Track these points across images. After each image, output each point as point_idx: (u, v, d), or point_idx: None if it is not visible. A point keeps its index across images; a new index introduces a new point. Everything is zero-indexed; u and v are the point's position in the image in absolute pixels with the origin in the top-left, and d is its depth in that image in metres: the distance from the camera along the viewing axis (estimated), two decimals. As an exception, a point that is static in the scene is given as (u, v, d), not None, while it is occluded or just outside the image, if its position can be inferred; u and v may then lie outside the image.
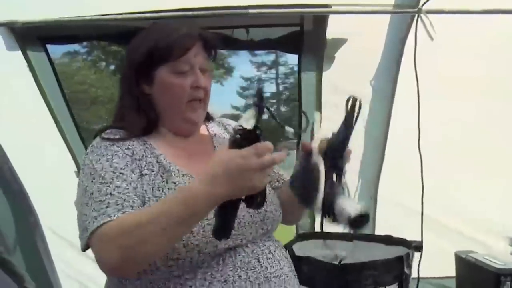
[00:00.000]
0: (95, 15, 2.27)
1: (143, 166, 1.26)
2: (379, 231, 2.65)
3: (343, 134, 1.22)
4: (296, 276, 1.41)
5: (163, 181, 1.26)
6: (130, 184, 1.20)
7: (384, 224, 2.67)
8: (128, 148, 1.26)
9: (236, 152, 1.04)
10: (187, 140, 1.38)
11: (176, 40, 1.31)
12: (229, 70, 20.57)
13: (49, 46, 2.52)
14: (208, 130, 1.49)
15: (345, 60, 2.55)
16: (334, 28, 2.46)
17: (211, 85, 1.39)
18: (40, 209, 2.68)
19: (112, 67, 18.63)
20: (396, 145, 2.70)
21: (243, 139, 1.04)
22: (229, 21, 2.39)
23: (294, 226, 2.97)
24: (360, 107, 1.21)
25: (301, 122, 2.74)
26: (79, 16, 2.25)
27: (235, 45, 2.51)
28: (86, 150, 1.36)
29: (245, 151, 1.02)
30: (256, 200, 1.07)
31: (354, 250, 2.20)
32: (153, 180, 1.25)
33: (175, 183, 1.25)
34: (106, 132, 1.33)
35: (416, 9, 2.37)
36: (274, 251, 1.37)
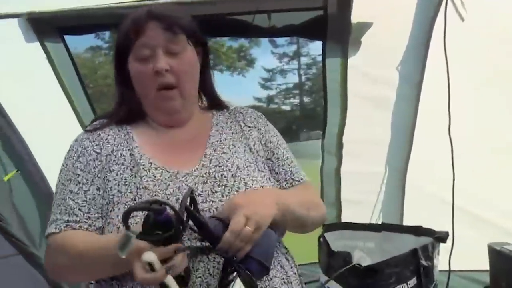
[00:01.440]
0: (112, 3, 2.26)
1: (112, 160, 1.27)
2: (408, 221, 2.64)
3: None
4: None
5: (132, 175, 1.24)
6: (81, 187, 1.24)
7: (413, 214, 2.67)
8: (98, 145, 1.28)
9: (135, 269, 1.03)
10: (173, 130, 1.35)
11: (128, 25, 1.28)
12: (250, 62, 20.74)
13: (68, 38, 2.50)
14: (212, 119, 1.43)
15: (372, 45, 2.51)
16: (359, 11, 2.42)
17: (194, 66, 1.33)
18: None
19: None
20: (425, 133, 2.65)
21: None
22: (251, 6, 2.34)
23: None
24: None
25: (326, 112, 2.69)
26: (97, 5, 2.25)
27: (256, 33, 2.47)
28: None
29: (137, 269, 1.02)
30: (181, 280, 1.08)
31: (382, 240, 2.19)
32: (121, 174, 1.24)
33: (141, 177, 1.23)
34: (92, 123, 1.36)
35: None
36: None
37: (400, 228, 2.31)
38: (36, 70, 2.49)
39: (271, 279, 1.24)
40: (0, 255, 2.35)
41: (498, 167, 2.60)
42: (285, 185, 1.38)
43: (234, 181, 1.24)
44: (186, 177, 1.23)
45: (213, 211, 1.19)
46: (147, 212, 1.01)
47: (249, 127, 1.42)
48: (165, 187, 1.22)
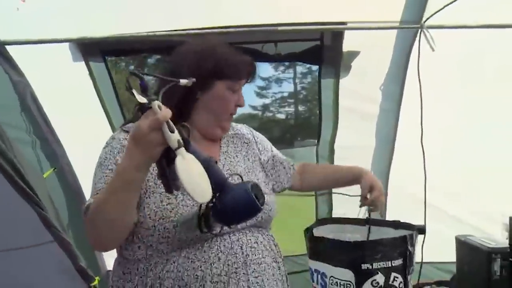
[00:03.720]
0: (150, 32, 2.48)
1: None
2: (390, 217, 2.56)
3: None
4: (280, 268, 1.51)
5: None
6: None
7: (394, 211, 2.64)
8: None
9: (134, 124, 1.14)
10: (206, 141, 1.52)
11: (241, 64, 1.47)
12: None
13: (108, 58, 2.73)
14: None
15: (360, 69, 2.74)
16: (349, 41, 2.65)
17: None
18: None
19: (132, 67, 18.85)
20: (404, 141, 2.87)
21: (142, 112, 1.12)
22: (260, 37, 2.61)
23: (314, 213, 3.11)
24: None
25: (320, 123, 2.91)
26: (138, 33, 2.48)
27: (264, 58, 2.71)
28: None
29: (139, 120, 1.11)
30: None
31: (367, 233, 2.38)
32: (151, 172, 1.34)
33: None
34: (126, 124, 1.45)
35: (419, 25, 2.55)
36: (261, 242, 1.46)
37: (383, 222, 2.17)
38: (79, 85, 2.71)
39: (263, 257, 1.45)
40: (36, 243, 2.39)
41: (465, 171, 2.80)
42: (290, 170, 1.71)
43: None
44: None
45: None
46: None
47: (246, 139, 1.65)
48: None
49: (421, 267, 2.60)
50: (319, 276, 1.92)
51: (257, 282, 1.41)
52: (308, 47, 2.73)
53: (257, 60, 3.36)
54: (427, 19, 2.53)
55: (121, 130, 1.44)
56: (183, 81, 1.23)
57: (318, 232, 2.14)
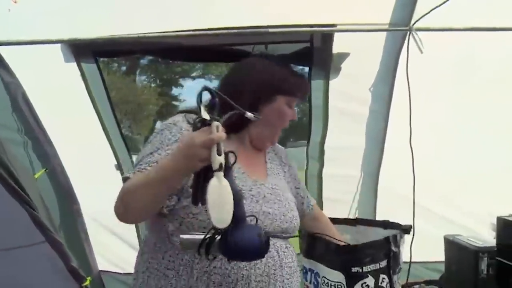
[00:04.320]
0: (141, 33, 2.49)
1: None
2: (379, 217, 2.80)
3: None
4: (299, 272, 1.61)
5: None
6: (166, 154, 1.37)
7: (384, 211, 2.87)
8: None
9: (190, 133, 1.21)
10: (255, 151, 1.63)
11: (301, 82, 1.63)
12: None
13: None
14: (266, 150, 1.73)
15: (349, 70, 2.76)
16: (339, 43, 2.67)
17: None
18: (83, 198, 2.89)
19: (124, 68, 18.69)
20: (394, 142, 2.89)
21: (201, 126, 1.19)
22: (251, 39, 2.64)
23: None
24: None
25: (310, 124, 2.93)
26: (129, 34, 2.50)
27: None
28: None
29: (195, 132, 1.18)
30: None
31: (356, 233, 2.38)
32: None
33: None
34: (190, 114, 1.49)
35: (407, 27, 2.57)
36: (289, 247, 1.56)
37: (372, 222, 2.31)
38: (71, 86, 2.72)
39: (293, 261, 1.56)
40: (27, 243, 2.42)
41: (455, 172, 2.84)
42: (305, 208, 1.80)
43: (283, 197, 1.57)
44: (261, 186, 1.52)
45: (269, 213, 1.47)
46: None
47: (283, 162, 1.77)
48: (249, 189, 1.48)
49: (409, 267, 2.60)
50: (312, 275, 1.98)
51: (288, 284, 1.51)
52: (298, 48, 2.75)
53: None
54: (416, 21, 2.55)
55: (184, 118, 1.50)
56: (249, 115, 1.32)
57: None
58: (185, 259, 1.42)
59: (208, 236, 1.22)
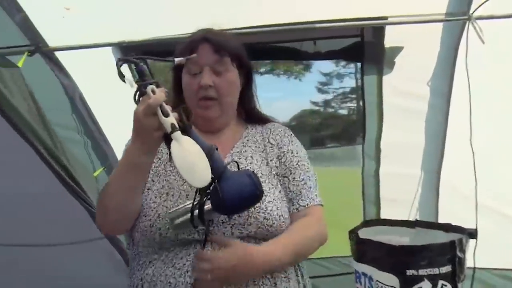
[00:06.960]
0: (190, 33, 2.43)
1: (158, 152, 1.37)
2: (442, 219, 2.60)
3: None
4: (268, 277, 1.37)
5: (163, 168, 1.42)
6: None
7: (447, 213, 2.78)
8: None
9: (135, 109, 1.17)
10: (207, 135, 1.40)
11: (185, 44, 1.45)
12: (307, 66, 19.82)
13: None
14: (243, 132, 1.55)
15: (404, 65, 2.68)
16: (391, 37, 2.60)
17: (233, 84, 1.46)
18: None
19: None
20: (455, 138, 2.77)
21: (139, 98, 1.16)
22: (299, 35, 2.58)
23: (362, 214, 3.06)
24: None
25: (365, 121, 2.87)
26: (173, 35, 2.48)
27: (304, 57, 2.72)
28: None
29: (137, 106, 1.16)
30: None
31: (416, 236, 2.32)
32: (156, 168, 1.41)
33: (168, 171, 1.40)
34: None
35: (466, 17, 2.45)
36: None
37: (432, 225, 2.24)
38: (121, 85, 2.84)
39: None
40: (87, 238, 2.57)
41: None
42: (291, 207, 1.45)
43: None
44: None
45: None
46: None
47: (271, 144, 1.52)
48: (182, 182, 1.36)
49: (474, 273, 2.56)
50: (366, 279, 1.90)
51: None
52: (348, 44, 2.70)
53: (297, 58, 3.48)
54: (476, 9, 2.44)
55: None
56: (177, 60, 1.26)
57: (363, 234, 2.10)
58: (131, 265, 1.41)
59: (196, 202, 1.16)
